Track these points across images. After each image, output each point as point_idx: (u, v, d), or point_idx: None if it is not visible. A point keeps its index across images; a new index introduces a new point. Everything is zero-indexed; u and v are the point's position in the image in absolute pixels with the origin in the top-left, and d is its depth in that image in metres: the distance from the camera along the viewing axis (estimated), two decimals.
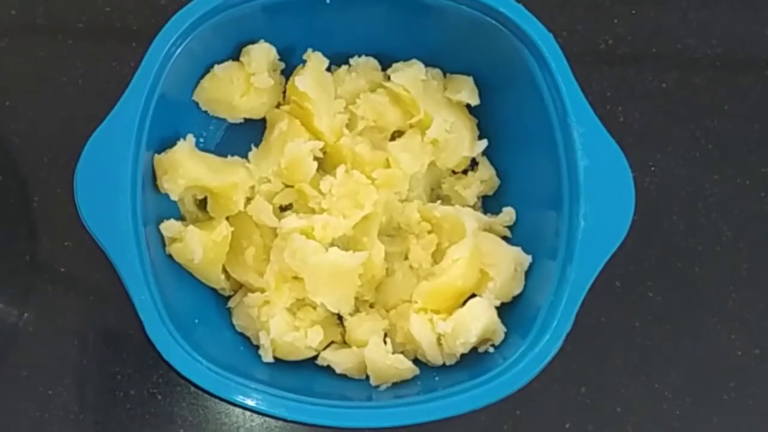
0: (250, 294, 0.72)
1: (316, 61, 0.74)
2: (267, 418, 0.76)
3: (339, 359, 0.71)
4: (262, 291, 0.71)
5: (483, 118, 0.76)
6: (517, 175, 0.75)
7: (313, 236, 0.70)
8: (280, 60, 0.75)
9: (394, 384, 0.70)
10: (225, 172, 0.72)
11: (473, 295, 0.70)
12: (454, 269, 0.69)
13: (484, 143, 0.76)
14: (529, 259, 0.71)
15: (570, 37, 0.83)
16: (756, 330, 0.80)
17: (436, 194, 0.77)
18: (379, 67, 0.76)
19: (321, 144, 0.73)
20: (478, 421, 0.77)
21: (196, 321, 0.70)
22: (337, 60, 0.76)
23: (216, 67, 0.73)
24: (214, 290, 0.74)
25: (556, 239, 0.68)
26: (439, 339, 0.69)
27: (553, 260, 0.68)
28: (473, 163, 0.77)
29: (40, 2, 0.82)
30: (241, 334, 0.73)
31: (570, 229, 0.67)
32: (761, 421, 0.79)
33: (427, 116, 0.74)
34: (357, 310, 0.72)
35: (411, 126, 0.75)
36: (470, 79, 0.75)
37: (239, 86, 0.73)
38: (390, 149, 0.73)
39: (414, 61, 0.75)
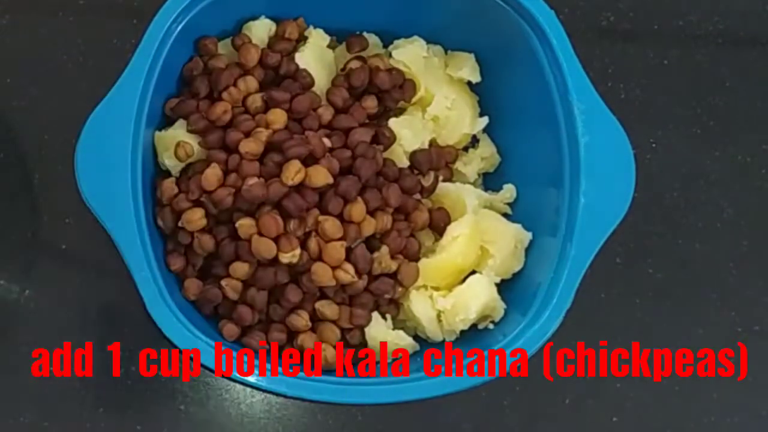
0: None
1: (317, 38, 0.74)
2: (267, 395, 0.76)
3: None
4: None
5: (484, 95, 0.76)
6: (518, 152, 0.75)
7: None
8: None
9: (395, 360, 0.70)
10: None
11: (473, 272, 0.70)
12: (454, 246, 0.69)
13: (485, 120, 0.75)
14: (529, 236, 0.71)
15: (571, 13, 0.83)
16: (756, 306, 0.80)
17: None
18: (381, 44, 0.76)
19: None
20: (479, 397, 0.77)
21: None
22: (339, 37, 0.76)
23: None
24: None
25: (556, 216, 0.68)
26: (439, 315, 0.69)
27: (553, 237, 0.68)
28: (474, 140, 0.77)
29: None
30: None
31: (570, 206, 0.67)
32: (761, 398, 0.79)
33: (428, 93, 0.74)
34: None
35: (412, 103, 0.75)
36: (472, 56, 0.75)
37: None
38: (391, 126, 0.72)
39: (415, 38, 0.75)
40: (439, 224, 0.71)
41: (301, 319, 0.68)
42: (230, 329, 0.69)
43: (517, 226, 0.71)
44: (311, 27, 0.74)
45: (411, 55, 0.74)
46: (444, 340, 0.70)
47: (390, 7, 0.74)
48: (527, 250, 0.71)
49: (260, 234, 0.66)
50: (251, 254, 0.66)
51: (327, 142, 0.69)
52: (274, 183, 0.66)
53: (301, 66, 0.72)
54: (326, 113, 0.71)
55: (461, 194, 0.72)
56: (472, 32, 0.74)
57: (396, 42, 0.75)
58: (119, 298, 0.77)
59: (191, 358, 0.64)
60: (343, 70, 0.74)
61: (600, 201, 0.67)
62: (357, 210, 0.67)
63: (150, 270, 0.65)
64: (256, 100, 0.70)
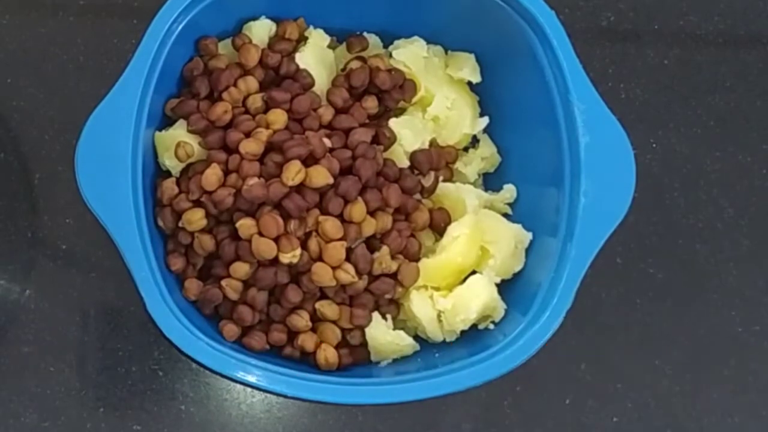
0: None
1: (317, 38, 0.74)
2: (267, 395, 0.76)
3: None
4: None
5: (484, 95, 0.76)
6: (518, 152, 0.75)
7: None
8: None
9: (395, 360, 0.70)
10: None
11: (474, 272, 0.70)
12: (454, 246, 0.69)
13: (486, 120, 0.75)
14: (529, 236, 0.71)
15: (572, 13, 0.83)
16: (756, 306, 0.80)
17: None
18: (381, 44, 0.76)
19: None
20: (479, 397, 0.77)
21: None
22: (339, 37, 0.76)
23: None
24: None
25: (556, 216, 0.68)
26: (439, 316, 0.69)
27: (553, 237, 0.68)
28: (474, 140, 0.77)
29: None
30: None
31: (571, 206, 0.68)
32: (761, 398, 0.79)
33: (429, 93, 0.74)
34: None
35: (412, 103, 0.75)
36: (472, 57, 0.75)
37: None
38: (391, 126, 0.73)
39: (416, 38, 0.75)
40: (439, 224, 0.71)
41: (302, 319, 0.68)
42: (230, 329, 0.69)
43: (518, 226, 0.71)
44: (311, 27, 0.74)
45: (411, 55, 0.74)
46: (444, 340, 0.70)
47: (390, 7, 0.74)
48: (527, 250, 0.71)
49: (260, 234, 0.66)
50: (251, 254, 0.66)
51: (327, 142, 0.69)
52: (275, 183, 0.66)
53: (302, 66, 0.72)
54: (326, 113, 0.71)
55: (461, 194, 0.72)
56: (473, 32, 0.74)
57: (396, 42, 0.75)
58: (119, 298, 0.77)
59: (191, 358, 0.64)
60: (343, 70, 0.74)
61: (600, 201, 0.67)
62: (357, 210, 0.67)
63: (150, 270, 0.65)
64: (256, 101, 0.70)
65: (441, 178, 0.73)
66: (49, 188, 0.78)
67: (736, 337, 0.80)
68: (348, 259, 0.67)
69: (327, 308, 0.69)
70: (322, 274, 0.66)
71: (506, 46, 0.72)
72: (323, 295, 0.69)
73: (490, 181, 0.76)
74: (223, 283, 0.68)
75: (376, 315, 0.69)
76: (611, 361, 0.79)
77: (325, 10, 0.74)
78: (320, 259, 0.67)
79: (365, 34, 0.75)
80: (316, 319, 0.69)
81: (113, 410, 0.76)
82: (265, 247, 0.66)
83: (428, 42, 0.75)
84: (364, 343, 0.69)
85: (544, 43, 0.69)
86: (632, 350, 0.79)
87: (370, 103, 0.72)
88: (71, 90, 0.80)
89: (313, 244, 0.67)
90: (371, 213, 0.68)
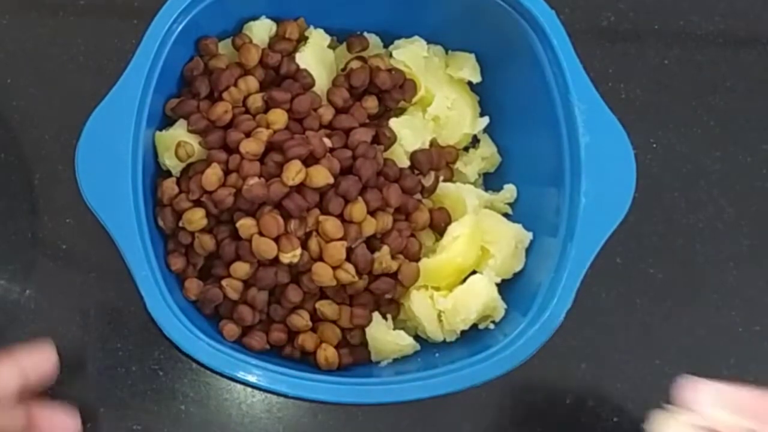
0: None
1: (317, 38, 0.74)
2: (268, 394, 0.76)
3: None
4: None
5: (485, 95, 0.76)
6: (519, 152, 0.75)
7: None
8: None
9: (395, 360, 0.70)
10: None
11: (474, 272, 0.70)
12: (454, 246, 0.69)
13: (486, 120, 0.76)
14: (529, 236, 0.71)
15: (572, 13, 0.83)
16: (756, 307, 0.80)
17: None
18: (381, 44, 0.76)
19: None
20: (479, 397, 0.77)
21: None
22: (339, 37, 0.76)
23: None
24: None
25: (557, 216, 0.68)
26: (439, 315, 0.69)
27: (553, 237, 0.68)
28: (474, 140, 0.77)
29: None
30: None
31: (571, 206, 0.68)
32: None
33: (429, 93, 0.74)
34: None
35: (413, 103, 0.75)
36: (472, 57, 0.75)
37: None
38: (391, 126, 0.73)
39: (416, 38, 0.75)
40: (439, 224, 0.71)
41: (302, 319, 0.69)
42: (231, 329, 0.69)
43: (518, 226, 0.71)
44: (311, 27, 0.74)
45: (411, 55, 0.74)
46: (444, 340, 0.70)
47: (390, 7, 0.74)
48: (528, 250, 0.71)
49: (261, 234, 0.66)
50: (252, 254, 0.66)
51: (327, 142, 0.69)
52: (275, 183, 0.66)
53: (302, 66, 0.72)
54: (327, 113, 0.71)
55: (462, 194, 0.72)
56: (473, 32, 0.74)
57: (396, 42, 0.75)
58: (120, 298, 0.77)
59: (192, 358, 0.64)
60: (343, 70, 0.74)
61: (600, 201, 0.67)
62: (357, 210, 0.67)
63: (150, 270, 0.65)
64: (256, 100, 0.70)
65: (441, 178, 0.73)
66: (49, 188, 0.78)
67: (736, 337, 0.79)
68: (348, 258, 0.67)
69: (327, 308, 0.69)
70: (323, 274, 0.67)
71: (506, 46, 0.72)
72: (323, 295, 0.69)
73: (490, 181, 0.77)
74: (224, 282, 0.68)
75: (376, 315, 0.69)
76: (611, 361, 0.79)
77: (325, 10, 0.74)
78: (320, 258, 0.67)
79: (365, 34, 0.75)
80: (317, 318, 0.69)
81: (113, 410, 0.76)
82: (266, 247, 0.66)
83: (428, 42, 0.75)
84: (364, 343, 0.69)
85: (544, 42, 0.69)
86: (632, 350, 0.79)
87: (371, 103, 0.72)
88: (71, 90, 0.80)
89: (313, 243, 0.67)
90: (371, 213, 0.68)
